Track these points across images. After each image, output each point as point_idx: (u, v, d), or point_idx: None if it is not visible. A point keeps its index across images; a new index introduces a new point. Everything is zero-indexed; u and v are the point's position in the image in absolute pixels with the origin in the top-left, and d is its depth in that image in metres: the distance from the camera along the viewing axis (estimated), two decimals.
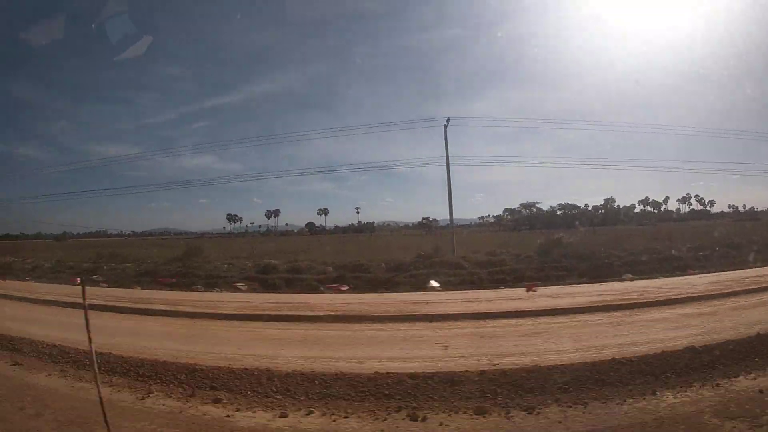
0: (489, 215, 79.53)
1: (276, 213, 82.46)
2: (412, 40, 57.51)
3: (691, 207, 76.98)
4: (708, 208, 75.64)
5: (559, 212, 70.90)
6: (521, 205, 71.99)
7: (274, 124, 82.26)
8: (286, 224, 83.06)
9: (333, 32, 55.75)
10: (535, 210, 69.45)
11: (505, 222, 71.22)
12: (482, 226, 71.41)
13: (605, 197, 72.24)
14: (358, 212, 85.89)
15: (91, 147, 77.86)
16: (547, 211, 70.86)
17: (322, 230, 78.25)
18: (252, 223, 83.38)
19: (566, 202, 69.80)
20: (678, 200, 76.26)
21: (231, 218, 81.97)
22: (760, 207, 60.47)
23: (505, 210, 75.62)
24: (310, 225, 76.54)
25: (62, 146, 73.41)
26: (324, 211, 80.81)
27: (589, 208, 70.19)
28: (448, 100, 63.25)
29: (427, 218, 62.80)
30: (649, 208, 76.73)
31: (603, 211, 68.33)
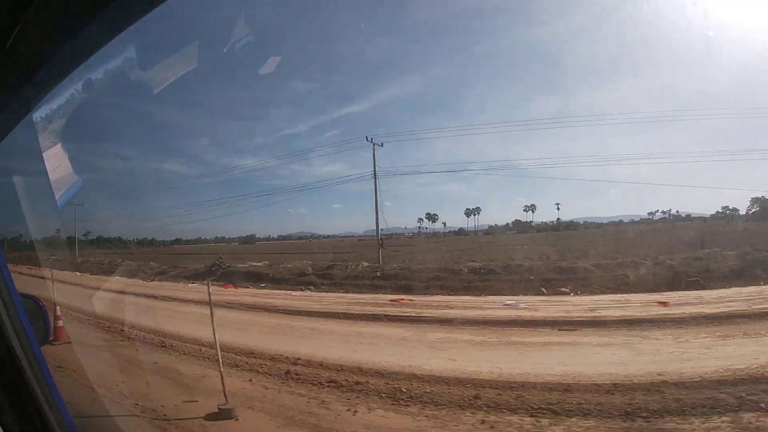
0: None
1: (477, 211, 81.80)
2: (531, 33, 49.41)
3: None
4: None
5: None
6: None
7: (401, 128, 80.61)
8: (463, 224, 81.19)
9: (452, 33, 52.24)
10: None
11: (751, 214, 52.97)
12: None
13: None
14: (558, 209, 76.78)
15: (229, 160, 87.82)
16: None
17: (530, 228, 72.88)
18: (444, 224, 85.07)
19: None
20: None
21: (429, 217, 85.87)
22: None
23: (753, 199, 57.61)
24: (517, 222, 72.42)
25: (203, 161, 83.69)
26: (531, 208, 75.29)
27: None
28: (575, 91, 53.17)
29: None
30: None
31: None
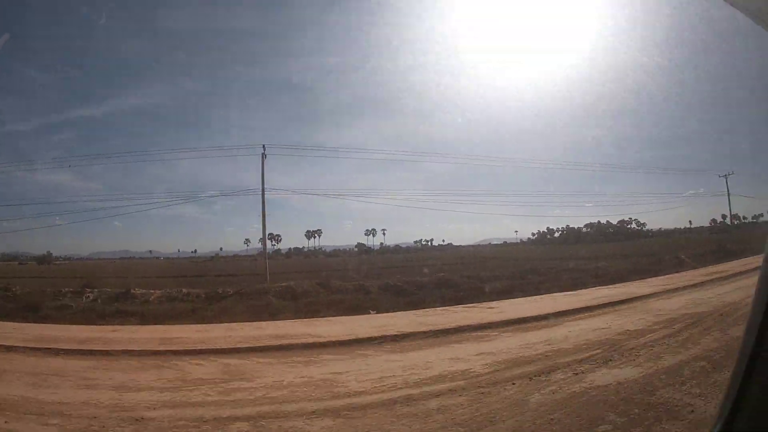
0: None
1: (318, 233, 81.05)
2: (289, 64, 54.26)
3: None
4: None
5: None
6: None
7: (142, 141, 73.05)
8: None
9: (206, 49, 51.30)
10: None
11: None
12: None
13: None
14: (384, 234, 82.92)
15: None
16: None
17: (371, 251, 75.36)
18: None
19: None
20: None
21: (273, 238, 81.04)
22: None
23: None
24: (360, 245, 73.85)
25: None
26: (372, 232, 78.18)
27: None
28: (324, 126, 60.41)
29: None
30: None
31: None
